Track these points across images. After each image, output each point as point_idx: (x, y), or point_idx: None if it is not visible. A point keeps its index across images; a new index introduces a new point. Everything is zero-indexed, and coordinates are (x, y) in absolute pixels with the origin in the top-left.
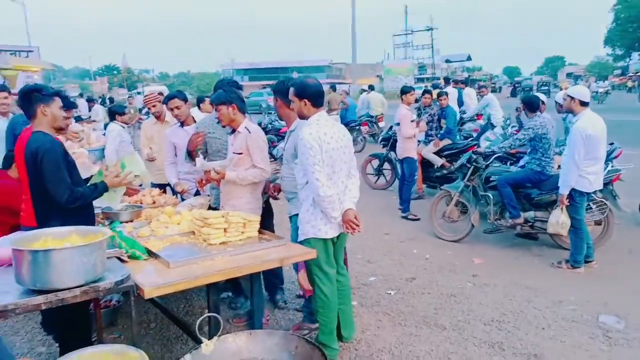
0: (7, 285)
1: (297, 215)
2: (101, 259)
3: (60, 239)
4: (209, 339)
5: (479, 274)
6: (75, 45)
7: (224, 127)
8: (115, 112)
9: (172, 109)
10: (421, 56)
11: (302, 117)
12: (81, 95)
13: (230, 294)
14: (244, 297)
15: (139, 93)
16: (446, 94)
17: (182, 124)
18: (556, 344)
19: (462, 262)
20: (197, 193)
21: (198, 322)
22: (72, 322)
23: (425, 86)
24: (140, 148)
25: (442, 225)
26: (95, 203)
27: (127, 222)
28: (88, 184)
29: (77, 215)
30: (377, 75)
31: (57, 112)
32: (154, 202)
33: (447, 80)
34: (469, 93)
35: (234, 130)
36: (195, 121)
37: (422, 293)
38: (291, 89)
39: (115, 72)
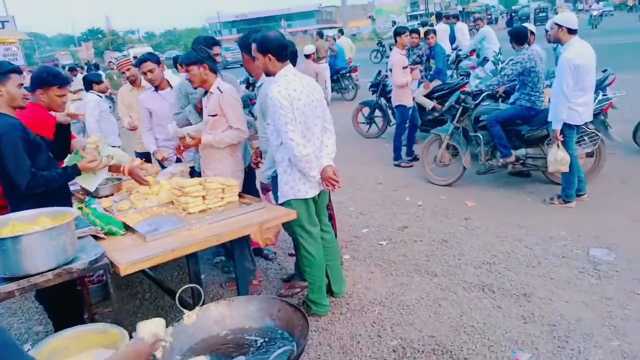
0: None
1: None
2: (71, 240)
3: (28, 223)
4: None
5: (472, 217)
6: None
7: (195, 88)
8: (91, 81)
9: (145, 73)
10: None
11: (268, 73)
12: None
13: (223, 258)
14: (246, 261)
15: (124, 56)
16: (434, 32)
17: (157, 88)
18: (546, 281)
19: (455, 206)
20: (179, 160)
21: (178, 293)
22: (61, 300)
23: (417, 24)
24: (120, 117)
25: (434, 170)
26: (71, 182)
27: (107, 196)
28: (61, 167)
29: (51, 195)
30: (369, 17)
31: (13, 90)
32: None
33: (438, 16)
34: (461, 28)
35: (206, 92)
36: (170, 85)
37: (414, 241)
38: (253, 45)
39: (100, 35)
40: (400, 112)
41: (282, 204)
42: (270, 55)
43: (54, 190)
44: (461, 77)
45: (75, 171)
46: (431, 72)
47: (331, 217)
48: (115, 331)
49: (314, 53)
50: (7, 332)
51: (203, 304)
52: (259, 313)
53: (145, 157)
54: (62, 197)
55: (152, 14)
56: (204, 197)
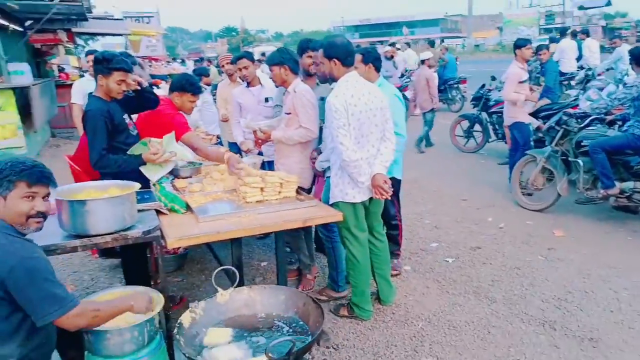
0: (55, 229)
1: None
2: (130, 210)
3: (100, 191)
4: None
5: (556, 247)
6: (200, 8)
7: (277, 87)
8: (200, 74)
9: (240, 69)
10: (550, 3)
11: (333, 78)
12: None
13: (288, 249)
14: (303, 254)
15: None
16: (547, 47)
17: (248, 84)
18: (622, 329)
19: (539, 234)
20: (261, 153)
21: (215, 272)
22: (134, 266)
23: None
24: (217, 108)
25: (525, 193)
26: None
27: (186, 177)
28: (127, 152)
29: (128, 174)
30: (497, 27)
31: (112, 85)
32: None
33: (562, 32)
34: (590, 45)
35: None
36: (260, 82)
37: (483, 263)
38: (320, 50)
39: (234, 33)
40: (519, 130)
41: (331, 205)
42: (335, 60)
43: (130, 172)
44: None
45: (138, 161)
46: (540, 90)
47: (397, 228)
48: (154, 295)
49: (429, 59)
50: (36, 260)
51: (240, 285)
52: (285, 303)
53: (237, 147)
54: (140, 177)
55: (282, 15)
56: (262, 189)
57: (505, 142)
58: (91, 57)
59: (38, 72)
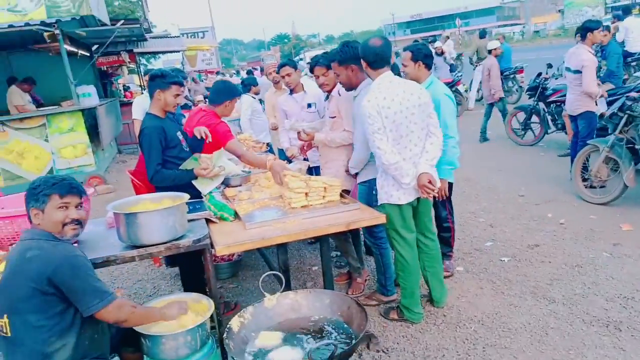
0: (114, 241)
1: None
2: (180, 221)
3: (156, 203)
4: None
5: (623, 242)
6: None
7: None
8: (248, 84)
9: (283, 77)
10: None
11: (351, 85)
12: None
13: (338, 253)
14: (351, 258)
15: (300, 59)
16: (607, 28)
17: (292, 91)
18: None
19: (604, 228)
20: (306, 159)
21: (261, 278)
22: (191, 273)
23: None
24: (267, 116)
25: (588, 185)
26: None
27: (236, 186)
28: (180, 167)
29: (183, 187)
30: (559, 10)
31: (169, 99)
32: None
33: (625, 10)
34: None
35: (329, 95)
36: (304, 89)
37: (542, 262)
38: (335, 62)
39: (286, 40)
40: (588, 120)
41: (378, 207)
42: (365, 63)
43: (185, 185)
44: None
45: (190, 175)
46: (601, 74)
47: (449, 230)
48: (205, 302)
49: (496, 49)
50: (78, 257)
51: (287, 290)
52: (330, 307)
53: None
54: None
55: (332, 18)
56: (306, 194)
57: (566, 133)
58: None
59: (105, 92)
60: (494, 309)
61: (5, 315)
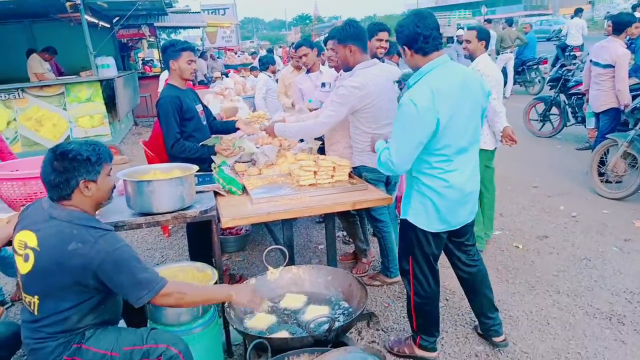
0: (123, 208)
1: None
2: (188, 191)
3: (165, 173)
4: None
5: (634, 238)
6: None
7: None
8: (266, 63)
9: (300, 57)
10: None
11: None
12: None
13: (344, 233)
14: (357, 239)
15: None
16: (639, 20)
17: (309, 71)
18: None
19: (616, 224)
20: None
21: (266, 251)
22: (198, 244)
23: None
24: (278, 94)
25: (604, 180)
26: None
27: (245, 162)
28: (201, 143)
29: (198, 160)
30: (589, 2)
31: (183, 65)
32: (281, 145)
33: None
34: None
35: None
36: (320, 69)
37: (550, 253)
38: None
39: (307, 21)
40: (612, 117)
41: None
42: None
43: (200, 159)
44: None
45: (210, 151)
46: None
47: None
48: (210, 271)
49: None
50: (121, 251)
51: (290, 264)
52: (332, 283)
53: None
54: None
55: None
56: (315, 173)
57: (585, 126)
58: None
59: (124, 65)
60: (497, 296)
61: (36, 296)
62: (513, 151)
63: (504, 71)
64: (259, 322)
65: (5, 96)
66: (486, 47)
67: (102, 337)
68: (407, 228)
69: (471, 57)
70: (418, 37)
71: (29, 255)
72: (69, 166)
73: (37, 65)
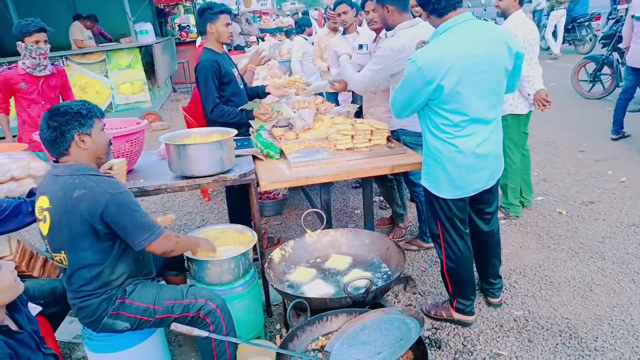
0: (165, 171)
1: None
2: (228, 155)
3: (205, 137)
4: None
5: None
6: None
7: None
8: (302, 25)
9: (339, 14)
10: None
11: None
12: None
13: (381, 198)
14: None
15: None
16: None
17: (345, 32)
18: None
19: None
20: (355, 100)
21: (304, 215)
22: (237, 208)
23: None
24: (313, 58)
25: None
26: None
27: (283, 127)
28: (240, 108)
29: (236, 124)
30: None
31: (221, 28)
32: (317, 109)
33: None
34: None
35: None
36: (357, 30)
37: (595, 219)
38: None
39: None
40: None
41: None
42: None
43: (238, 123)
44: None
45: (248, 115)
46: None
47: None
48: (249, 233)
49: None
50: (123, 194)
51: (327, 228)
52: (369, 246)
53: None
54: (245, 128)
55: None
56: (353, 137)
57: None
58: None
59: (161, 31)
60: (538, 262)
61: (62, 251)
62: (559, 114)
63: (556, 30)
64: (299, 275)
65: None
66: (521, 3)
67: (144, 292)
68: (428, 193)
69: (504, 14)
70: None
71: (46, 216)
72: (61, 119)
73: (78, 32)
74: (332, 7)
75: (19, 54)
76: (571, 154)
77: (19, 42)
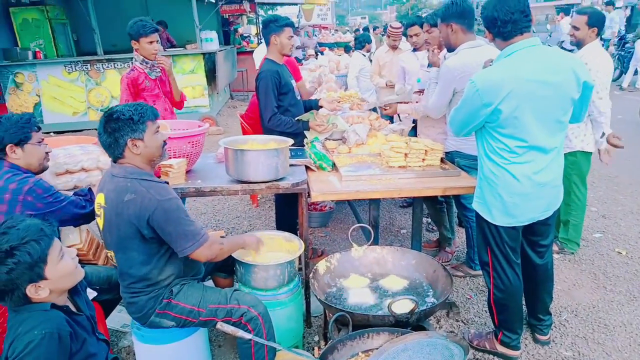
0: (222, 174)
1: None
2: (282, 163)
3: (262, 144)
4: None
5: None
6: None
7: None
8: (364, 41)
9: (411, 36)
10: None
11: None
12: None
13: (429, 220)
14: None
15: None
16: None
17: (415, 50)
18: None
19: None
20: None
21: (351, 229)
22: (285, 216)
23: None
24: (371, 74)
25: None
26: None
27: (337, 140)
28: (296, 118)
29: (291, 134)
30: None
31: (284, 40)
32: (372, 125)
33: None
34: None
35: None
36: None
37: None
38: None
39: (404, 0)
40: None
41: None
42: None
43: (293, 133)
44: None
45: (304, 126)
46: None
47: None
48: (297, 242)
49: None
50: (171, 201)
51: (374, 244)
52: (415, 267)
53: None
54: (299, 138)
55: None
56: (406, 155)
57: None
58: None
59: (226, 40)
60: (592, 302)
61: (112, 250)
62: (626, 147)
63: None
64: (353, 282)
65: (120, 65)
66: (598, 34)
67: (190, 294)
68: (479, 218)
69: (579, 44)
70: (495, 22)
71: (101, 213)
72: (115, 126)
73: None
74: (392, 24)
75: (96, 54)
76: (635, 192)
77: (134, 42)
